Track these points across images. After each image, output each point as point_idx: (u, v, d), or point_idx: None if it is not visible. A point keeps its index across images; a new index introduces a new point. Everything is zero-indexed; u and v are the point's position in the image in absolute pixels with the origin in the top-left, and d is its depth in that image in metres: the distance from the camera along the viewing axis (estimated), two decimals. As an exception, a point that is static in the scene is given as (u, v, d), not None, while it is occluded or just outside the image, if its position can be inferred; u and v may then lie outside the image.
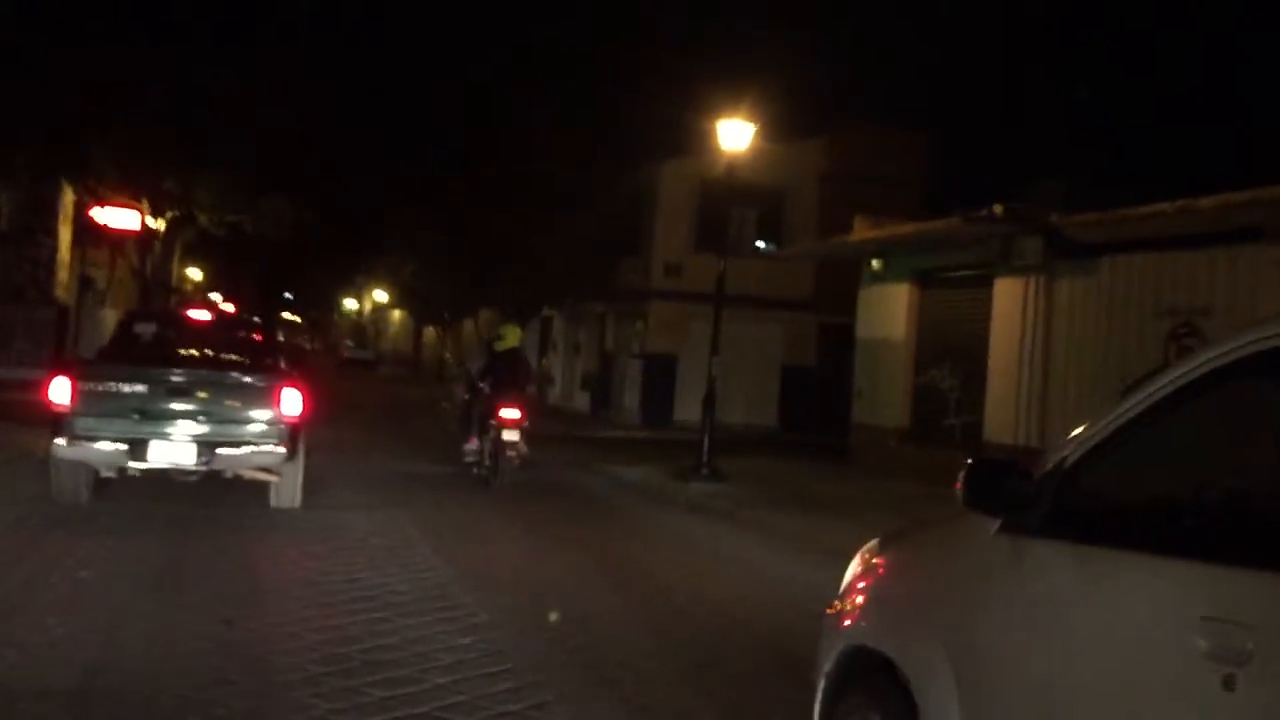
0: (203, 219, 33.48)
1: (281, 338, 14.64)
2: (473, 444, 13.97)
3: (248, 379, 10.16)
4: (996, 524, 3.07)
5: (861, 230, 16.86)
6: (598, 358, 32.70)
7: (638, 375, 28.64)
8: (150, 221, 32.19)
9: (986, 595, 3.09)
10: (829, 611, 3.95)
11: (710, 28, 29.96)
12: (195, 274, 59.26)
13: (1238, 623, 2.25)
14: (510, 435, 13.15)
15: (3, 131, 27.62)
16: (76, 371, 9.89)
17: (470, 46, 32.76)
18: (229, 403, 10.00)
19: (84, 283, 31.04)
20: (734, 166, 15.49)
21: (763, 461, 17.85)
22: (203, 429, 9.89)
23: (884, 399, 17.54)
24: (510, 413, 13.13)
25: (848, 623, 3.75)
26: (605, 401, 30.88)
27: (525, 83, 30.73)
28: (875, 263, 17.67)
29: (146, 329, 11.95)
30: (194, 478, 10.29)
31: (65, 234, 31.59)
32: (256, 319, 13.94)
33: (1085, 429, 2.94)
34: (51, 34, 27.65)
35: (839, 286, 27.43)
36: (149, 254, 33.80)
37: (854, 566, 3.96)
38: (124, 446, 9.67)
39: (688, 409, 28.56)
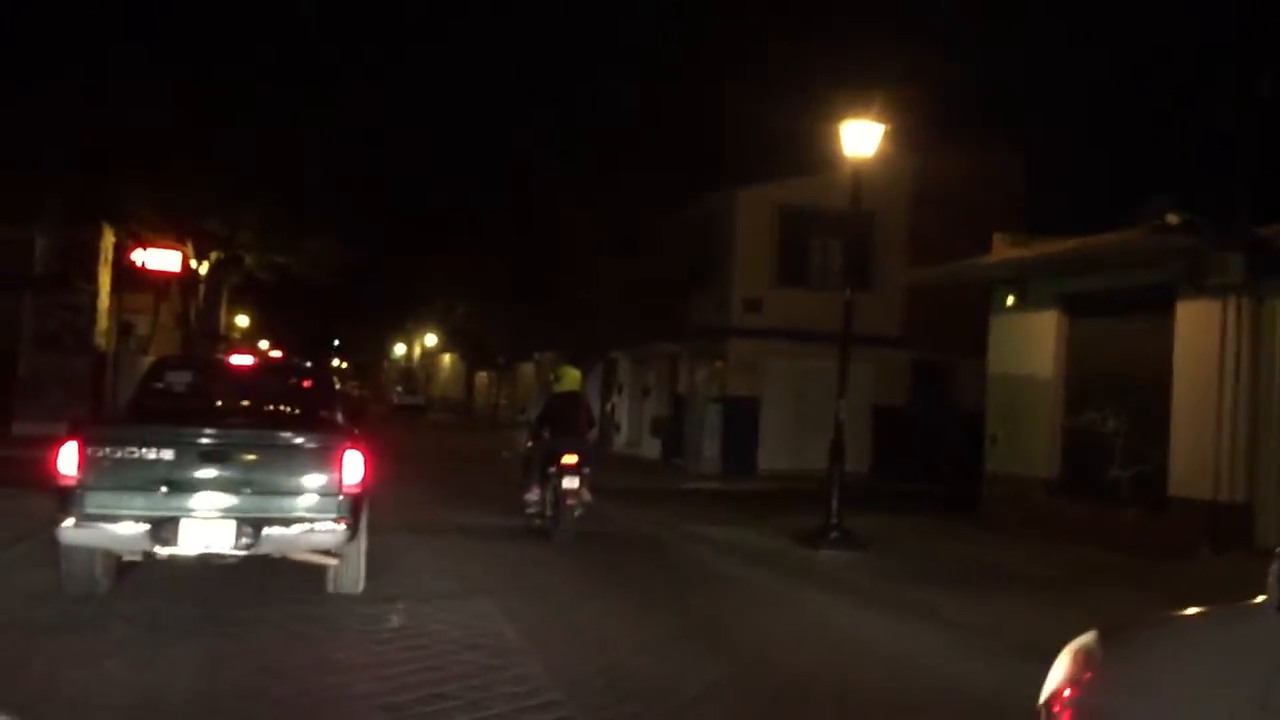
0: (248, 260, 31.80)
1: (337, 385, 12.50)
2: (533, 494, 12.95)
3: (300, 439, 8.02)
4: None
5: (1002, 249, 14.57)
6: (668, 401, 30.46)
7: (717, 420, 26.35)
8: (194, 264, 30.57)
9: None
10: None
11: (774, 45, 28.01)
12: (242, 321, 57.86)
13: None
14: (570, 483, 12.23)
15: (37, 172, 26.22)
16: (88, 434, 7.81)
17: (528, 71, 31.06)
18: (278, 469, 7.88)
19: (124, 329, 29.31)
20: (860, 175, 13.24)
21: (884, 520, 15.44)
22: (245, 503, 7.78)
23: (1026, 445, 15.15)
24: (569, 459, 12.31)
25: None
26: (678, 449, 28.60)
27: (587, 108, 28.94)
28: (1010, 298, 15.34)
29: (179, 378, 9.88)
30: (234, 560, 8.17)
31: (105, 278, 29.99)
32: (309, 365, 11.84)
33: None
34: (87, 70, 26.31)
35: (933, 319, 25.16)
36: (193, 299, 32.11)
37: (1062, 669, 3.07)
38: (147, 527, 7.56)
39: (772, 456, 26.27)
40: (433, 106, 31.96)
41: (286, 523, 7.75)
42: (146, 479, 7.62)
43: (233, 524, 7.67)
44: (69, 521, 7.45)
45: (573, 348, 31.45)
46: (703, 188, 26.75)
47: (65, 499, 7.49)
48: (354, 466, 7.93)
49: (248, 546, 7.69)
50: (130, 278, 29.95)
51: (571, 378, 13.70)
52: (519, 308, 32.31)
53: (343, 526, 7.84)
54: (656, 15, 27.68)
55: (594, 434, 14.85)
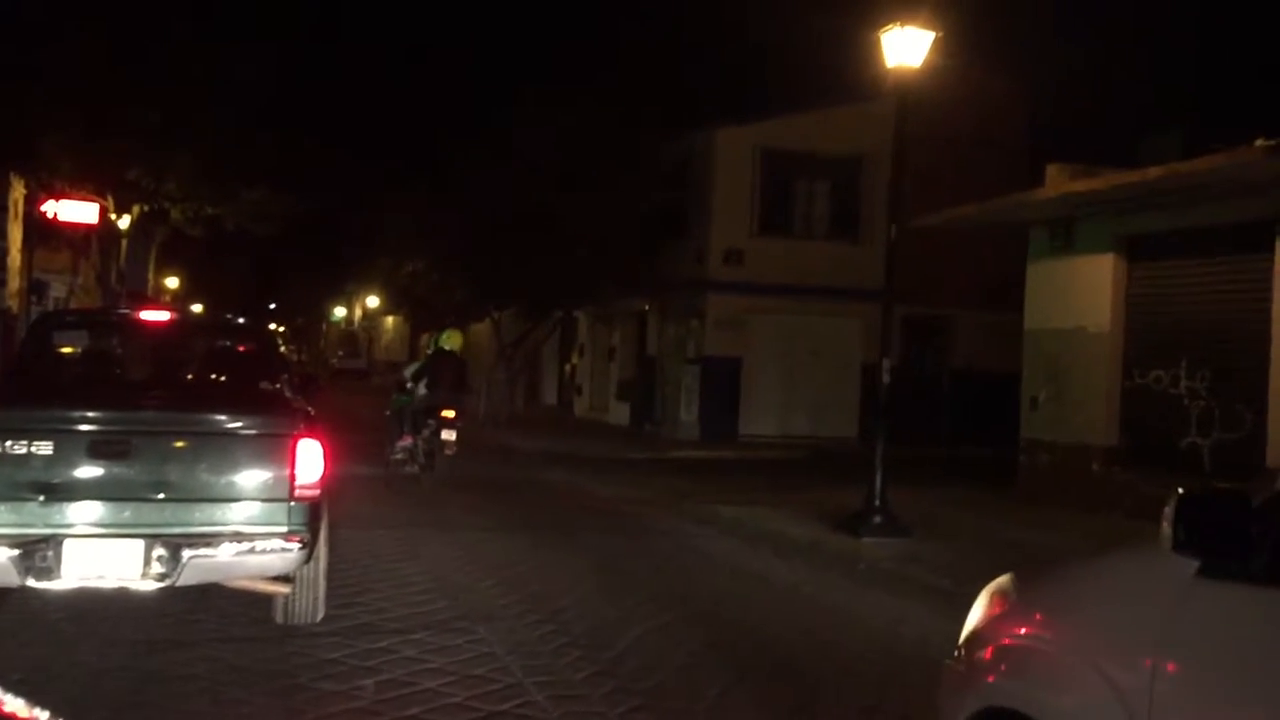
0: (175, 213, 28.98)
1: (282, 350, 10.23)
2: (405, 441, 13.99)
3: (237, 423, 5.81)
4: (1193, 565, 2.55)
5: (1058, 183, 12.58)
6: (635, 362, 28.35)
7: (694, 383, 24.30)
8: (114, 218, 27.77)
9: (1191, 655, 2.50)
10: (951, 663, 3.36)
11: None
12: (172, 283, 54.70)
13: None
14: (449, 434, 13.46)
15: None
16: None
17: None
18: (205, 466, 5.67)
19: (36, 288, 26.56)
20: (906, 91, 11.16)
21: (909, 494, 13.44)
22: (158, 515, 5.58)
23: (1076, 409, 13.29)
24: (448, 413, 13.54)
25: (980, 677, 3.13)
26: (649, 414, 26.54)
27: (543, 40, 26.52)
28: (1046, 234, 13.43)
29: (72, 341, 7.58)
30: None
31: (15, 233, 27.17)
32: (245, 321, 9.50)
33: None
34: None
35: (926, 271, 23.28)
36: (114, 256, 29.31)
37: (982, 608, 3.34)
38: (14, 553, 5.34)
39: (756, 421, 24.27)
40: (382, 34, 29.31)
41: (217, 541, 5.56)
42: (13, 483, 5.39)
43: (140, 545, 5.47)
44: (-104, 549, 5.20)
45: (529, 306, 29.18)
46: (677, 127, 24.54)
47: (-107, 515, 5.24)
48: (310, 460, 5.76)
49: (162, 576, 5.49)
50: (44, 233, 27.19)
51: (453, 339, 14.67)
52: (472, 264, 29.90)
53: (296, 544, 5.67)
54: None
55: (471, 396, 16.09)
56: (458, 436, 13.44)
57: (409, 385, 14.17)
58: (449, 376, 13.98)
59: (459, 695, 5.36)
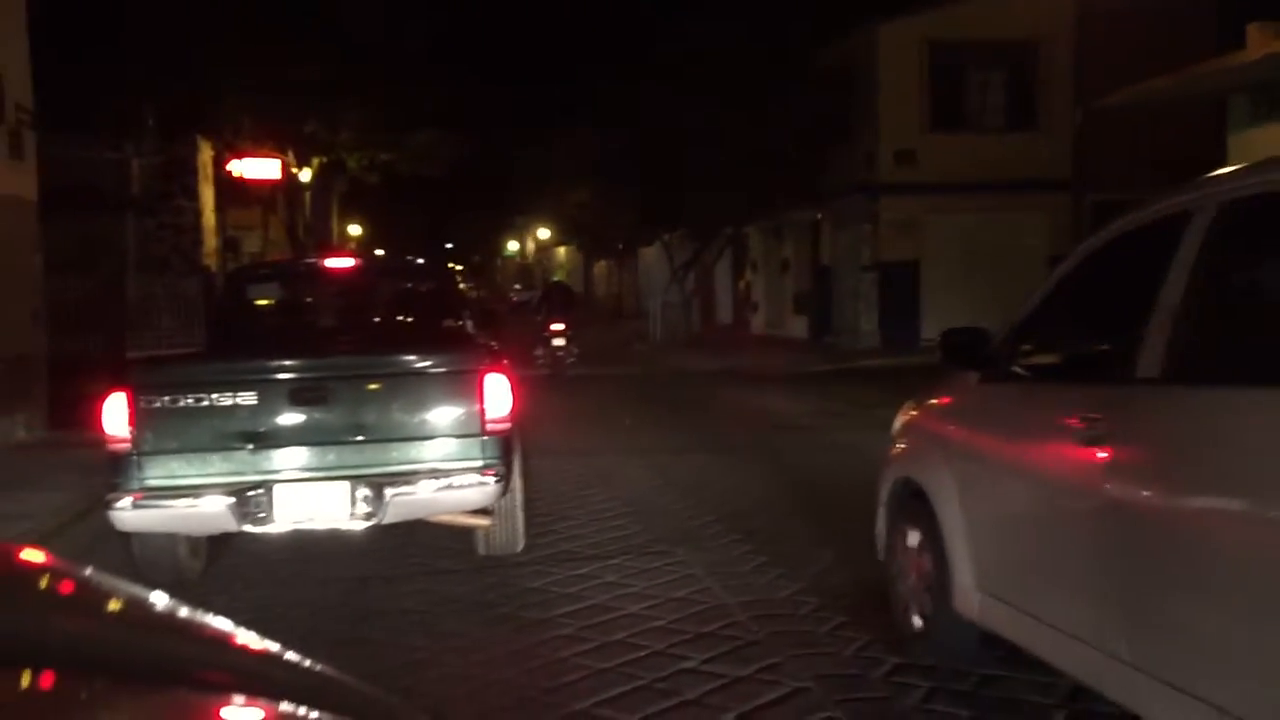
0: (351, 163, 29.88)
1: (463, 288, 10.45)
2: (539, 350, 19.57)
3: (427, 362, 5.90)
4: (978, 376, 4.34)
5: (1261, 44, 11.59)
6: (811, 274, 27.89)
7: (872, 290, 23.76)
8: (295, 172, 28.83)
9: (974, 427, 4.42)
10: (888, 453, 5.12)
11: None
12: (355, 230, 56.55)
13: (1099, 417, 3.34)
14: (558, 341, 19.58)
15: (128, 88, 24.67)
16: (141, 378, 5.81)
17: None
18: (399, 406, 5.79)
19: (229, 246, 27.81)
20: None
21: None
22: (359, 456, 5.74)
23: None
24: (556, 326, 19.61)
25: (894, 459, 5.03)
26: (827, 325, 26.13)
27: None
28: (1249, 103, 12.40)
29: (265, 293, 7.84)
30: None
31: (207, 194, 28.48)
32: (424, 262, 9.64)
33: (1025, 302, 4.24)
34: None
35: (1115, 154, 22.01)
36: (299, 209, 30.45)
37: (898, 418, 5.17)
38: (230, 500, 5.58)
39: (938, 325, 23.25)
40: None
41: (416, 479, 5.68)
42: (224, 434, 5.62)
43: (345, 486, 5.63)
44: (123, 501, 5.49)
45: (699, 228, 28.96)
46: (837, 25, 23.72)
47: (116, 469, 5.53)
48: (499, 394, 5.80)
49: (369, 515, 5.65)
50: (233, 192, 28.39)
51: (559, 275, 20.74)
52: (638, 187, 29.84)
53: (492, 478, 5.74)
54: None
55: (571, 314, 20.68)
56: (570, 343, 19.48)
57: (540, 308, 20.40)
58: (556, 301, 20.49)
59: (663, 618, 5.36)
